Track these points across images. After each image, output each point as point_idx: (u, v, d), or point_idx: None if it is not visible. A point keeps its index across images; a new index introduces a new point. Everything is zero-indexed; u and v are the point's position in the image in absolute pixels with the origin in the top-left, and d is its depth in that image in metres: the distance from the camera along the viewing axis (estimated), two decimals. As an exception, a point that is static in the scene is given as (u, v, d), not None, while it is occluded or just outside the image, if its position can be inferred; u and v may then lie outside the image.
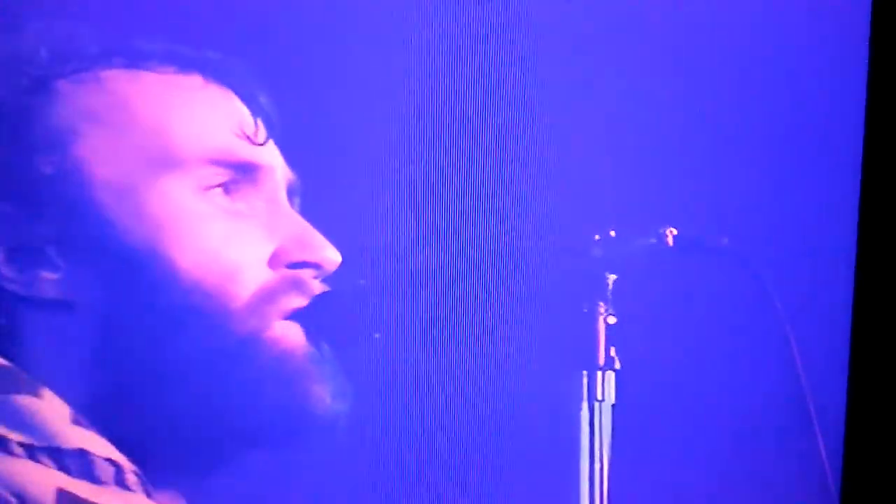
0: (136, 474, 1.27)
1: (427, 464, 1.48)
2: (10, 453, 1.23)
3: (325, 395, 1.36)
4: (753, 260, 1.42)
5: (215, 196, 1.35)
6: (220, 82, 1.40)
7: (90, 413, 1.29)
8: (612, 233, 1.43)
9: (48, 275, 1.31)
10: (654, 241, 1.41)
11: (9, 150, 1.33)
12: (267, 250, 1.35)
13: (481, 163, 1.46)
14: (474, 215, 1.48)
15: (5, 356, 1.30)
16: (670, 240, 1.40)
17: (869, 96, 1.45)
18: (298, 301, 1.35)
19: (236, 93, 1.40)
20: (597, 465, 1.40)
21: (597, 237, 1.44)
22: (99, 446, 1.26)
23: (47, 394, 1.27)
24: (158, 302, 1.30)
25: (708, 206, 1.45)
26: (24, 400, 1.26)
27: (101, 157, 1.33)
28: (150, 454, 1.30)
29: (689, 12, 1.48)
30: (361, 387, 1.42)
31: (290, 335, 1.35)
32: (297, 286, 1.35)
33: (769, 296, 1.40)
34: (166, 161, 1.34)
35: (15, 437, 1.24)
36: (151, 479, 1.30)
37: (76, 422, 1.26)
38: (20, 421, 1.25)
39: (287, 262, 1.36)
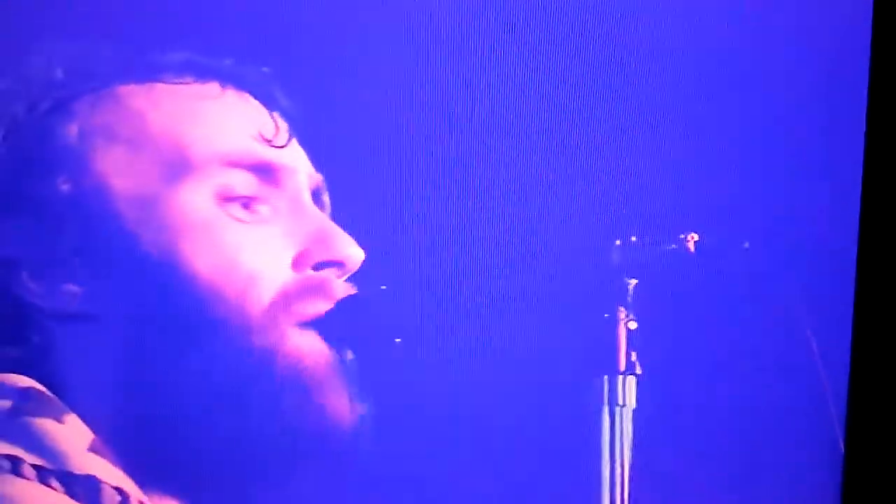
0: None
1: (447, 470, 1.48)
2: (21, 475, 1.23)
3: (346, 402, 1.37)
4: (775, 265, 1.42)
5: (236, 202, 1.35)
6: (238, 88, 1.40)
7: (112, 426, 1.29)
8: (633, 238, 1.43)
9: (73, 288, 1.32)
10: (674, 246, 1.41)
11: (28, 168, 1.34)
12: (290, 254, 1.36)
13: (503, 167, 1.47)
14: (495, 220, 1.48)
15: (31, 369, 1.31)
16: (691, 245, 1.40)
17: (870, 108, 1.46)
18: (324, 304, 1.35)
19: (255, 96, 1.41)
20: (618, 470, 1.40)
21: (617, 242, 1.44)
22: (110, 475, 1.26)
23: (71, 419, 1.28)
24: (182, 312, 1.31)
25: (728, 211, 1.45)
26: (47, 423, 1.27)
27: (120, 171, 1.34)
28: (170, 467, 1.31)
29: (715, 21, 1.48)
30: (380, 393, 1.42)
31: (312, 341, 1.35)
32: (322, 288, 1.36)
33: (791, 301, 1.40)
34: (185, 170, 1.34)
35: (30, 458, 1.24)
36: (172, 492, 1.30)
37: (93, 449, 1.27)
38: (38, 444, 1.25)
39: (311, 263, 1.36)
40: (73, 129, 1.34)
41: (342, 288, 1.37)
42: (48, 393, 1.30)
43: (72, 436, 1.27)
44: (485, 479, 1.48)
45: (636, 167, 1.45)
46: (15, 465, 1.24)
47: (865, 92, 1.51)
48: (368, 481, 1.47)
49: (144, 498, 1.28)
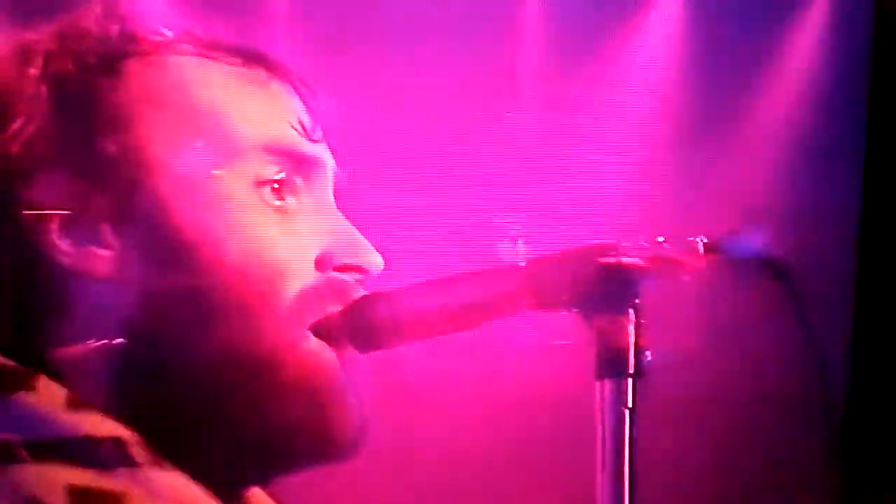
0: (142, 445, 1.24)
1: (452, 471, 1.48)
2: (14, 458, 1.20)
3: (354, 402, 1.37)
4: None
5: (269, 188, 1.36)
6: (283, 79, 1.41)
7: (115, 396, 1.28)
8: (641, 241, 1.44)
9: (101, 252, 1.31)
10: (683, 248, 1.41)
11: (73, 125, 1.32)
12: (313, 251, 1.36)
13: (512, 170, 1.47)
14: (502, 222, 1.48)
15: (49, 327, 1.29)
16: (700, 247, 1.40)
17: (870, 114, 1.47)
18: (338, 305, 1.36)
19: (297, 90, 1.41)
20: (623, 472, 1.40)
21: (625, 244, 1.44)
22: (100, 427, 1.24)
23: (41, 383, 1.26)
24: (204, 290, 1.30)
25: (737, 213, 1.45)
26: (18, 397, 1.24)
27: (161, 141, 1.33)
28: (171, 446, 1.30)
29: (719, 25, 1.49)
30: (385, 393, 1.42)
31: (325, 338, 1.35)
32: (339, 289, 1.36)
33: (798, 305, 1.40)
34: (224, 148, 1.34)
35: (15, 438, 1.21)
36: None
37: (72, 406, 1.24)
38: (16, 421, 1.23)
39: (333, 265, 1.36)
40: (122, 91, 1.34)
41: (359, 292, 1.38)
42: (11, 363, 1.27)
43: (46, 400, 1.25)
44: (490, 480, 1.48)
45: (643, 171, 1.46)
46: (5, 450, 1.21)
47: (866, 99, 1.52)
48: (373, 481, 1.47)
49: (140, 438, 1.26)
